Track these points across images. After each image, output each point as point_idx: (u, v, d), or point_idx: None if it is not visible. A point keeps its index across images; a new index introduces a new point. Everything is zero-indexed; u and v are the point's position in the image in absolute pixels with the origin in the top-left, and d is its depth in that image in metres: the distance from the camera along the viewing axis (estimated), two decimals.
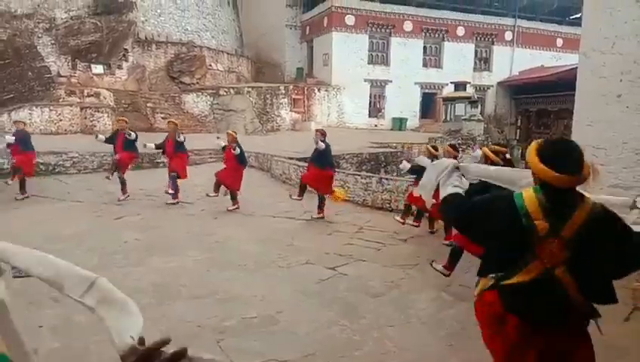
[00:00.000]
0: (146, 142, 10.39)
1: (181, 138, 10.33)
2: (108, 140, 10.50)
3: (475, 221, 2.50)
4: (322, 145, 9.14)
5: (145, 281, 5.66)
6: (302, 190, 9.49)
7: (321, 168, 9.29)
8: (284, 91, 26.81)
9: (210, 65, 26.62)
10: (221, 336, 4.28)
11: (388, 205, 10.35)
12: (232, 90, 24.53)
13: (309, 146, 12.92)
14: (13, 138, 10.05)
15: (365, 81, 29.58)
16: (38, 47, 19.29)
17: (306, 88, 28.16)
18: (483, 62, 32.73)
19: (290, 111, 26.97)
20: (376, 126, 29.31)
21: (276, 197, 11.30)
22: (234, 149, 9.56)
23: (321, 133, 9.35)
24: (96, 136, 10.48)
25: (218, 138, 10.63)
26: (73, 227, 8.10)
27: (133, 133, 10.17)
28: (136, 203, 10.22)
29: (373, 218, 9.57)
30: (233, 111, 23.49)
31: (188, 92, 23.66)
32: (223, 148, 10.05)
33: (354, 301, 5.30)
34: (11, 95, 17.61)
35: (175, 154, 10.33)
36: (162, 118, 21.34)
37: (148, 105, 21.88)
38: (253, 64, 31.89)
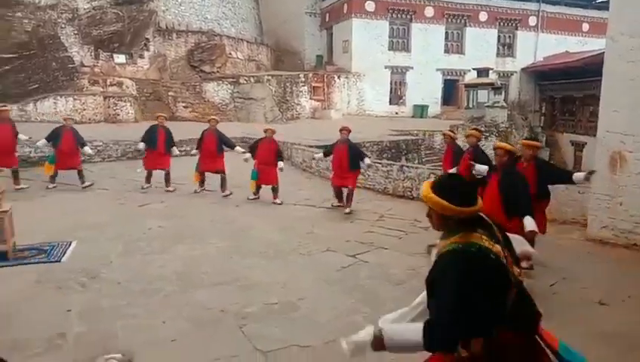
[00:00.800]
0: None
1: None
2: (146, 139, 10.41)
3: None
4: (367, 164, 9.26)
5: (168, 269, 5.75)
6: (338, 194, 9.30)
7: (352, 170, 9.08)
8: (303, 79, 26.74)
9: (230, 54, 26.66)
10: (243, 322, 4.34)
11: (409, 193, 10.29)
12: (251, 79, 24.55)
13: (330, 135, 12.88)
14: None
15: (386, 67, 29.29)
16: (61, 38, 19.54)
17: (325, 76, 28.02)
18: (506, 47, 32.05)
19: (310, 99, 26.90)
20: (397, 113, 29.05)
21: (296, 185, 11.33)
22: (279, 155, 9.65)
23: (347, 131, 9.22)
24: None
25: (244, 153, 10.15)
26: (98, 214, 8.26)
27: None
28: (159, 191, 10.35)
29: (395, 206, 9.54)
30: (253, 99, 23.53)
31: (208, 81, 23.76)
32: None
33: (375, 288, 5.30)
34: (36, 85, 17.92)
35: (218, 153, 10.13)
36: (184, 106, 21.53)
37: (169, 94, 22.06)
38: (273, 52, 31.83)
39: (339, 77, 28.41)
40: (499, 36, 31.71)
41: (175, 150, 10.60)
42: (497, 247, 2.12)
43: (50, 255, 6.16)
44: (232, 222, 8.22)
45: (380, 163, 11.45)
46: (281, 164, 9.64)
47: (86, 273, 5.55)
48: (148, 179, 10.39)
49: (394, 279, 5.59)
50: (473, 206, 2.16)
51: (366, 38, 28.64)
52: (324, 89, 27.64)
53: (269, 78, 25.49)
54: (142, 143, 10.48)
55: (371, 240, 7.16)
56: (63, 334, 4.15)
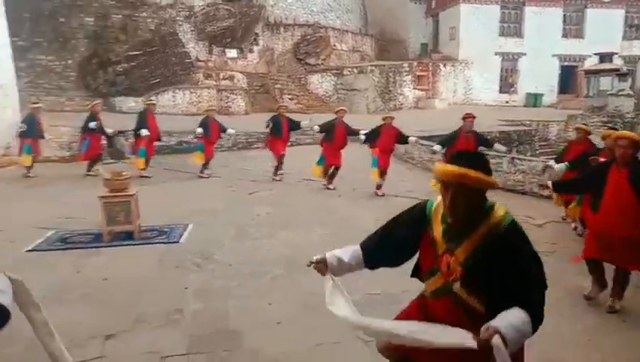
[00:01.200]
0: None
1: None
2: (272, 127, 10.69)
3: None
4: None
5: (275, 253, 5.97)
6: None
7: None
8: (407, 68, 26.24)
9: (335, 46, 26.90)
10: None
11: (520, 187, 9.71)
12: (355, 70, 24.60)
13: (434, 125, 12.53)
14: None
15: (496, 54, 27.84)
16: (179, 34, 21.00)
17: (430, 64, 27.27)
18: (635, 29, 28.88)
19: (414, 88, 26.36)
20: (507, 102, 27.55)
21: (399, 176, 11.18)
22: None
23: (472, 118, 8.93)
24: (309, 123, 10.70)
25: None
26: (212, 200, 8.80)
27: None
28: (268, 179, 10.77)
29: (504, 200, 9.03)
30: (356, 90, 23.58)
31: (313, 73, 24.20)
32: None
33: None
34: (158, 79, 19.44)
35: (344, 143, 10.03)
36: (289, 98, 22.13)
37: (276, 86, 22.82)
38: (377, 42, 31.58)
39: (444, 65, 27.51)
40: (626, 17, 28.71)
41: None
42: None
43: (170, 236, 6.68)
44: (335, 211, 8.31)
45: (488, 154, 10.91)
46: (412, 139, 9.78)
47: (201, 254, 5.94)
48: (279, 167, 10.79)
49: None
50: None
51: (475, 24, 27.38)
52: (428, 78, 26.93)
53: (373, 68, 25.36)
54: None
55: None
56: (180, 310, 4.47)
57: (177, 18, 21.61)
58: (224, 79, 21.27)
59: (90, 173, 10.72)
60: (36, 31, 17.83)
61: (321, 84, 23.86)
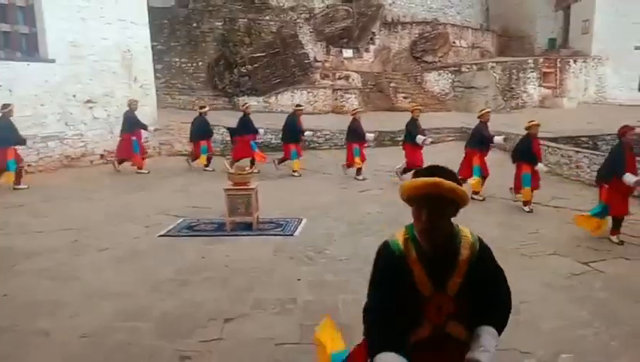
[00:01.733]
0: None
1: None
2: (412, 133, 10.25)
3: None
4: None
5: None
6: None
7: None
8: (532, 65, 24.59)
9: (454, 42, 26.07)
10: None
11: None
12: (474, 67, 23.63)
13: (563, 125, 11.67)
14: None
15: (636, 49, 25.02)
16: (299, 36, 21.74)
17: (558, 60, 25.29)
18: None
19: (539, 86, 24.64)
20: None
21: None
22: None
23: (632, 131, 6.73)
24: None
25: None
26: (324, 197, 9.04)
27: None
28: (378, 178, 10.80)
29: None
30: (475, 88, 22.64)
31: (429, 70, 23.70)
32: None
33: (612, 303, 4.66)
34: (278, 80, 20.31)
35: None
36: (403, 97, 21.89)
37: (391, 85, 22.69)
38: (499, 38, 30.02)
39: (575, 61, 25.35)
40: None
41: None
42: None
43: (286, 229, 6.99)
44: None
45: None
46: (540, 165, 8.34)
47: (313, 248, 6.15)
48: (406, 171, 10.07)
49: (638, 296, 4.81)
50: None
51: (612, 16, 24.86)
52: (556, 75, 25.00)
53: (493, 65, 24.15)
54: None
55: (608, 247, 6.30)
56: (294, 299, 4.68)
57: (298, 20, 22.38)
58: (339, 79, 21.63)
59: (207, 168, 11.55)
60: (172, 36, 19.57)
61: (437, 81, 23.27)
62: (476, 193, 8.84)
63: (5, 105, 9.45)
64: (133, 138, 11.21)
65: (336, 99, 20.49)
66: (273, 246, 6.28)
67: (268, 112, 18.07)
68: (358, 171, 10.77)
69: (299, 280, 5.17)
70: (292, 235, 6.74)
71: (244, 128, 11.51)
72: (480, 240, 2.12)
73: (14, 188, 9.34)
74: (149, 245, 6.35)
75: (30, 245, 6.24)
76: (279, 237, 6.66)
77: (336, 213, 7.93)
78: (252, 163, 10.91)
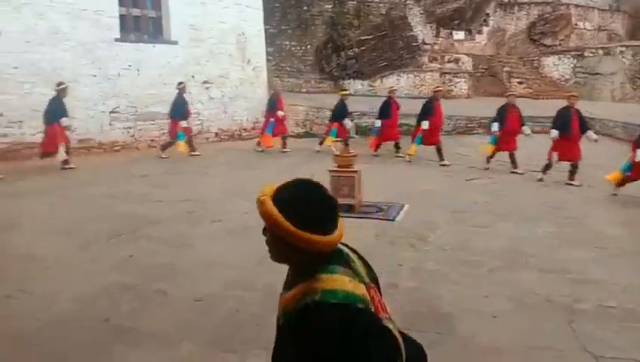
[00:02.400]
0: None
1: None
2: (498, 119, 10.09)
3: None
4: None
5: (494, 244, 5.73)
6: None
7: None
8: None
9: (577, 24, 24.00)
10: (573, 318, 3.98)
11: None
12: (600, 51, 21.59)
13: None
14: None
15: None
16: (408, 18, 21.26)
17: None
18: None
19: None
20: None
21: None
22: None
23: None
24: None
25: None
26: (428, 183, 8.85)
27: None
28: (489, 166, 10.31)
29: None
30: (600, 74, 20.74)
31: (548, 55, 22.07)
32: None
33: None
34: (385, 63, 20.10)
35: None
36: (518, 82, 20.66)
37: (504, 69, 21.49)
38: (630, 19, 27.05)
39: None
40: None
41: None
42: (362, 288, 1.48)
43: (388, 214, 6.95)
44: (563, 208, 7.55)
45: None
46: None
47: (415, 235, 6.05)
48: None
49: None
50: (331, 233, 1.49)
51: None
52: None
53: (623, 49, 21.87)
54: (496, 124, 10.04)
55: None
56: (395, 284, 4.65)
57: (408, 2, 21.87)
58: (449, 62, 20.88)
59: (319, 149, 11.73)
60: (283, 19, 20.08)
61: (556, 67, 21.64)
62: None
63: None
64: (271, 119, 11.69)
65: (444, 83, 19.82)
66: (374, 230, 6.26)
67: (371, 96, 17.86)
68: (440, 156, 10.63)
69: (400, 265, 5.11)
70: (394, 220, 6.68)
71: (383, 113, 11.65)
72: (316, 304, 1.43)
73: (190, 155, 10.86)
74: (257, 221, 6.63)
75: (151, 213, 6.80)
76: (380, 222, 6.63)
77: (441, 200, 7.73)
78: (396, 146, 11.62)
